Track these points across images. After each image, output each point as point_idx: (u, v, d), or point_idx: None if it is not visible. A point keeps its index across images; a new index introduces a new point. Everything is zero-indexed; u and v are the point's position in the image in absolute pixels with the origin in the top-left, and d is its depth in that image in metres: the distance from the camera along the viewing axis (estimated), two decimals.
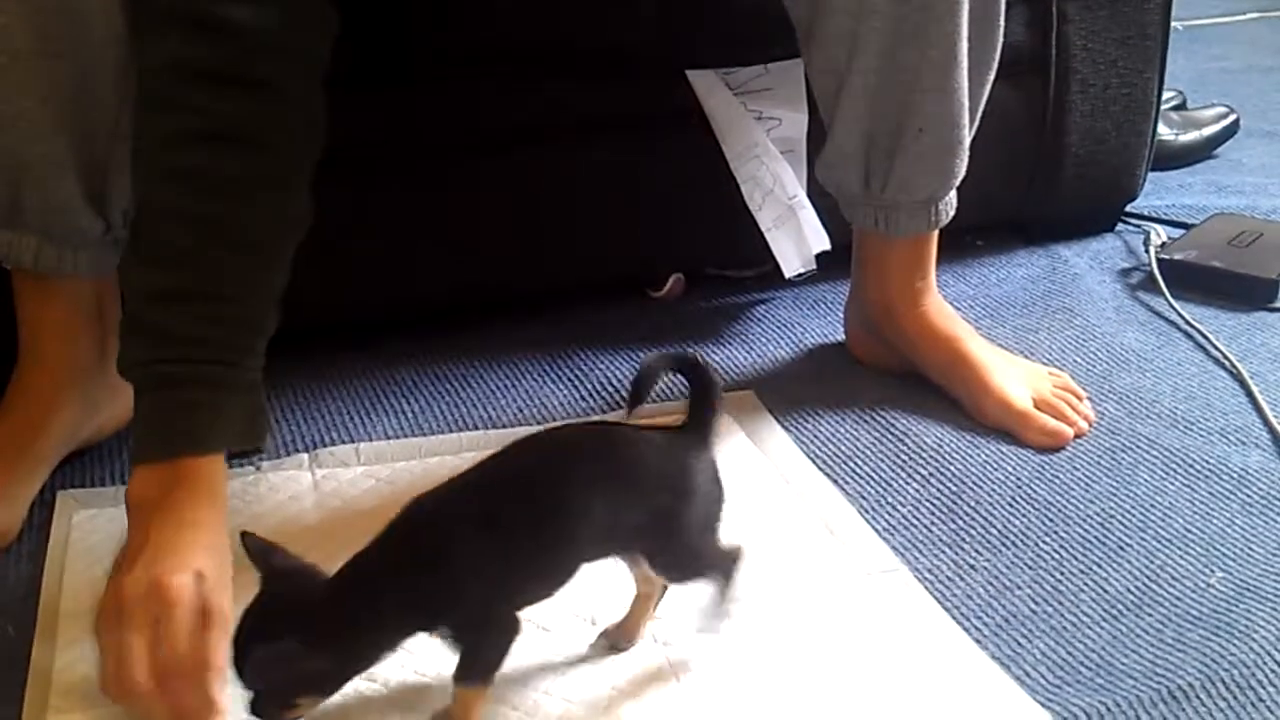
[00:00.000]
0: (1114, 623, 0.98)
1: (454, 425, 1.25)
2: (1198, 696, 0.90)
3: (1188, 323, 1.42)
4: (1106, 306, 1.48)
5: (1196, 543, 1.07)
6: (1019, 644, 0.96)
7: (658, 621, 0.95)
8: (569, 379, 1.33)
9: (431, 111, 1.34)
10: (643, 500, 0.85)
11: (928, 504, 1.12)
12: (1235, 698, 0.90)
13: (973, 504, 1.12)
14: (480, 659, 0.84)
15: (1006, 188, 1.57)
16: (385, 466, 1.18)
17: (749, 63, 1.38)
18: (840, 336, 1.40)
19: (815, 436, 1.23)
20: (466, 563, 0.82)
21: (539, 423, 1.23)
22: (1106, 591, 1.01)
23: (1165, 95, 1.65)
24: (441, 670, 0.88)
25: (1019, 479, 1.16)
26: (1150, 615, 0.98)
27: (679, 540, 0.87)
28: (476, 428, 1.24)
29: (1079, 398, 1.26)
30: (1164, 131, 1.79)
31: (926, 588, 1.02)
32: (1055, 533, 1.08)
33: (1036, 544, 1.07)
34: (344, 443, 1.21)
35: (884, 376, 1.32)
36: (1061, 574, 1.03)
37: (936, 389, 1.28)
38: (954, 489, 1.14)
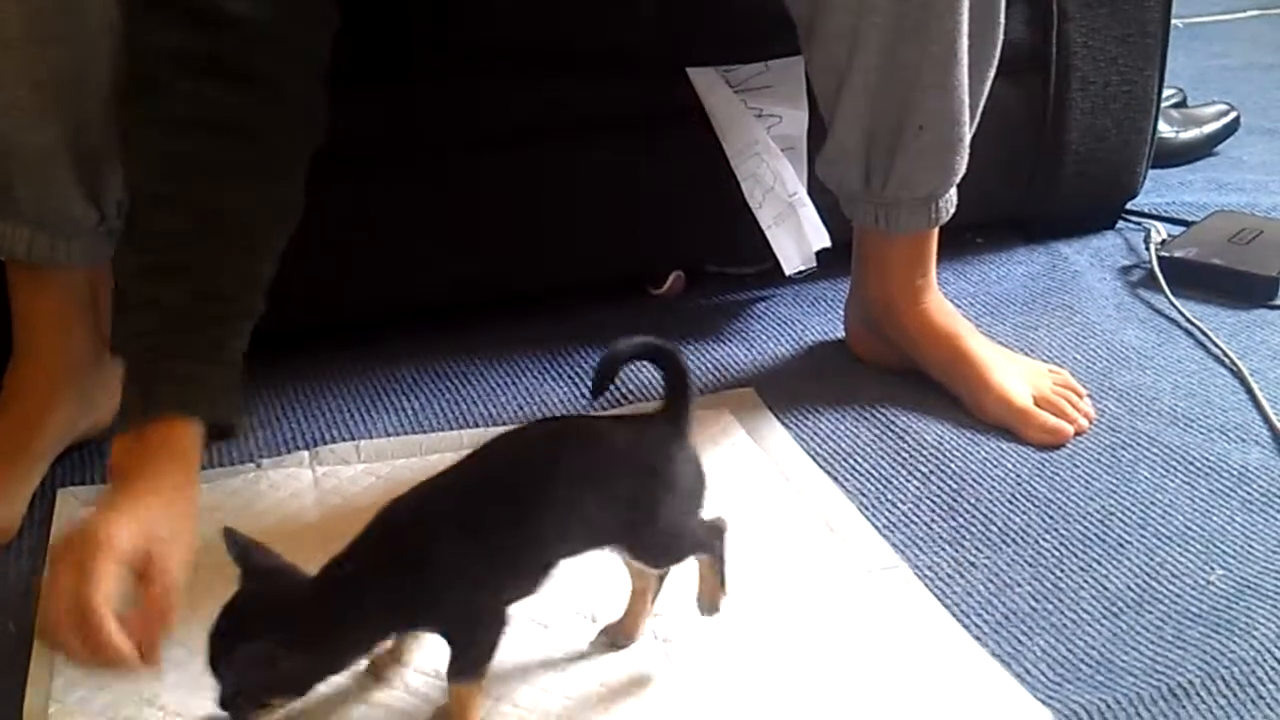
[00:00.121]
0: (1114, 620, 0.98)
1: (454, 423, 1.25)
2: (1198, 694, 0.90)
3: (1188, 320, 1.42)
4: (1107, 304, 1.48)
5: (1196, 540, 1.07)
6: (1019, 641, 0.96)
7: (657, 619, 0.96)
8: (569, 376, 1.33)
9: (432, 109, 1.34)
10: (618, 491, 0.85)
11: (928, 501, 1.12)
12: (1235, 695, 0.90)
13: (973, 501, 1.12)
14: (470, 656, 0.84)
15: (1007, 185, 1.57)
16: (386, 464, 1.18)
17: (749, 60, 1.38)
18: (840, 334, 1.40)
19: (815, 434, 1.23)
20: (448, 562, 0.82)
21: None
22: (1107, 589, 1.01)
23: (1166, 92, 1.65)
24: (440, 668, 0.88)
25: (1019, 476, 1.16)
26: (1150, 612, 0.98)
27: (658, 527, 0.87)
28: (477, 425, 1.24)
29: (1079, 395, 1.26)
30: (1164, 129, 1.79)
31: (927, 585, 1.02)
32: (1055, 530, 1.08)
33: (1037, 541, 1.07)
34: (344, 440, 1.21)
35: (884, 374, 1.32)
36: (1062, 571, 1.03)
37: (937, 386, 1.28)
38: (954, 486, 1.14)
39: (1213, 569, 1.03)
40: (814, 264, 1.39)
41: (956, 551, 1.06)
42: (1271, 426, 1.22)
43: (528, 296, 1.46)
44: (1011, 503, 1.12)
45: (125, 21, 0.97)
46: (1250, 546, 1.06)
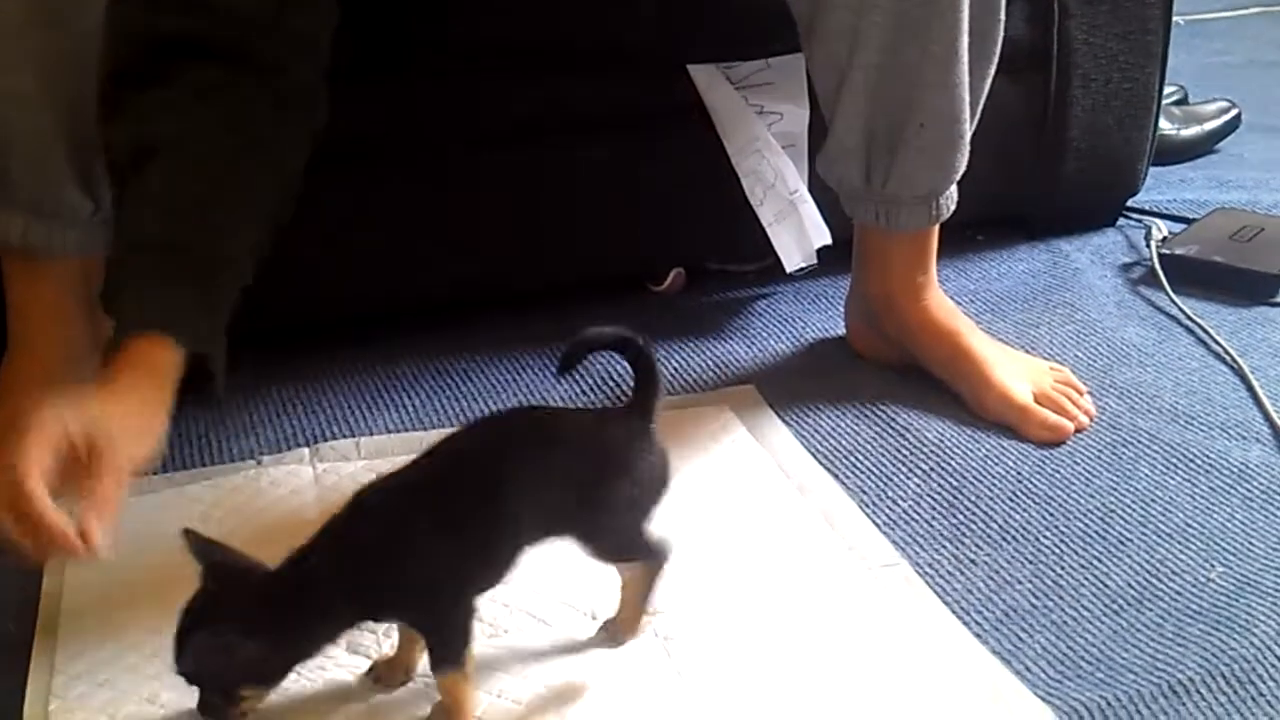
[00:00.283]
0: (1114, 617, 0.98)
1: (455, 419, 1.25)
2: (1198, 691, 0.90)
3: (1189, 318, 1.41)
4: (1107, 301, 1.48)
5: (1197, 537, 1.06)
6: (1019, 639, 0.96)
7: (658, 616, 0.95)
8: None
9: (432, 107, 1.34)
10: (566, 479, 0.85)
11: (928, 498, 1.12)
12: (1235, 692, 0.89)
13: (973, 498, 1.12)
14: (445, 646, 0.85)
15: (1008, 182, 1.56)
16: (386, 460, 1.17)
17: (750, 58, 1.38)
18: (841, 331, 1.40)
19: (816, 431, 1.23)
20: (410, 552, 0.82)
21: None
22: (1107, 586, 1.01)
23: (1166, 90, 1.65)
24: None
25: (1020, 473, 1.16)
26: (1151, 610, 0.98)
27: (605, 518, 0.87)
28: None
29: (1080, 392, 1.26)
30: (1165, 126, 1.79)
31: (927, 582, 1.02)
32: (1056, 527, 1.08)
33: (1037, 539, 1.07)
34: (345, 437, 1.21)
35: (885, 371, 1.32)
36: (1062, 569, 1.03)
37: (937, 383, 1.28)
38: (955, 483, 1.14)
39: (1213, 566, 1.03)
40: (815, 261, 1.39)
41: (957, 548, 1.06)
42: (1272, 424, 1.22)
43: (528, 294, 1.46)
44: (1012, 500, 1.12)
45: (118, 5, 0.97)
46: (1251, 544, 1.05)
